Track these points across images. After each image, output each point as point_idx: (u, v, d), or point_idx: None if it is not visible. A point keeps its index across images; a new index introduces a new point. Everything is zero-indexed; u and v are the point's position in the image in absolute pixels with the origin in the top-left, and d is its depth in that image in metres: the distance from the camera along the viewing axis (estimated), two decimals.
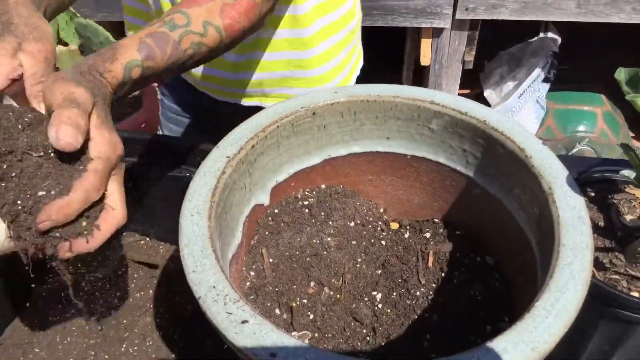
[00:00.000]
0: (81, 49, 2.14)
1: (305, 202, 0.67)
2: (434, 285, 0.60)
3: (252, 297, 0.59)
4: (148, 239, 0.84)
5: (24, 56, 0.50)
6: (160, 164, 0.85)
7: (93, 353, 0.71)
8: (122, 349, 0.71)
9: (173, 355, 0.71)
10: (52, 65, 0.52)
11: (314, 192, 0.68)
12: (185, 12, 0.58)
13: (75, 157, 0.44)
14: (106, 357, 0.71)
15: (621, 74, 0.53)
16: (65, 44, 2.22)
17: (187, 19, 0.57)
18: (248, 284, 0.60)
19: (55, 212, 0.42)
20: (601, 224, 0.63)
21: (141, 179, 0.84)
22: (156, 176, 0.84)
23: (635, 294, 0.56)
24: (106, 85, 0.49)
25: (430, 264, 0.63)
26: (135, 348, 0.71)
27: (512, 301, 0.59)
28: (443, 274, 0.62)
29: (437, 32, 1.80)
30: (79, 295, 0.72)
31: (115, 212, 0.46)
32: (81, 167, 0.44)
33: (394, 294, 0.60)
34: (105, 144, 0.45)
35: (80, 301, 0.71)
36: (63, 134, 0.41)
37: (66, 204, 0.42)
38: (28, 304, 0.77)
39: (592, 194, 0.66)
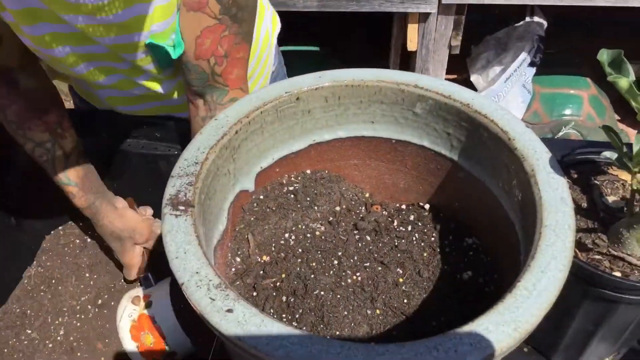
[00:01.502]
0: None
1: (291, 188, 0.67)
2: (421, 268, 0.61)
3: (237, 282, 0.59)
4: None
5: None
6: (151, 142, 0.85)
7: (85, 331, 0.72)
8: (114, 327, 0.72)
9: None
10: None
11: (300, 178, 0.68)
12: None
13: None
14: (98, 334, 0.71)
15: (604, 56, 0.53)
16: None
17: None
18: (233, 269, 0.60)
19: None
20: (584, 205, 0.63)
21: (131, 157, 0.84)
22: (145, 154, 0.84)
23: (617, 274, 0.56)
24: None
25: (417, 248, 0.63)
26: None
27: (499, 282, 0.59)
28: (430, 258, 0.62)
29: (423, 17, 1.79)
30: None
31: None
32: None
33: (382, 277, 0.60)
34: None
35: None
36: None
37: None
38: (18, 287, 0.77)
39: (576, 176, 0.67)
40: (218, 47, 0.69)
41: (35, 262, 0.81)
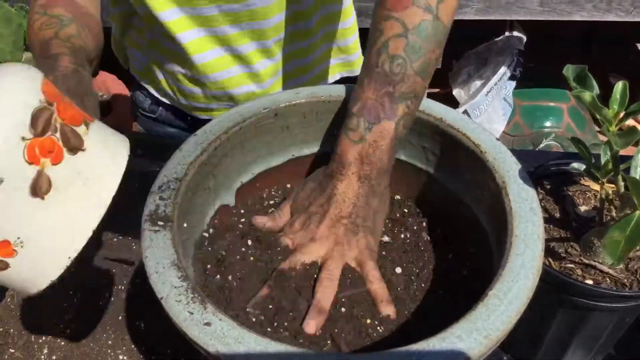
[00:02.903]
0: None
1: (271, 202, 0.68)
2: (404, 280, 0.62)
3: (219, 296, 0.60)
4: (121, 236, 0.85)
5: None
6: (136, 159, 0.85)
7: (69, 349, 0.72)
8: (98, 345, 0.72)
9: (148, 350, 0.71)
10: None
11: (280, 192, 0.69)
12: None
13: None
14: (81, 353, 0.71)
15: (569, 71, 0.55)
16: None
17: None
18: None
19: None
20: (557, 215, 0.65)
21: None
22: (130, 171, 0.84)
23: (589, 282, 0.58)
24: None
25: (397, 259, 0.64)
26: (110, 343, 0.72)
27: (477, 291, 0.60)
28: (410, 269, 0.63)
29: None
30: None
31: None
32: None
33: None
34: None
35: None
36: None
37: None
38: (0, 306, 0.77)
39: (549, 187, 0.69)
40: None
41: None
